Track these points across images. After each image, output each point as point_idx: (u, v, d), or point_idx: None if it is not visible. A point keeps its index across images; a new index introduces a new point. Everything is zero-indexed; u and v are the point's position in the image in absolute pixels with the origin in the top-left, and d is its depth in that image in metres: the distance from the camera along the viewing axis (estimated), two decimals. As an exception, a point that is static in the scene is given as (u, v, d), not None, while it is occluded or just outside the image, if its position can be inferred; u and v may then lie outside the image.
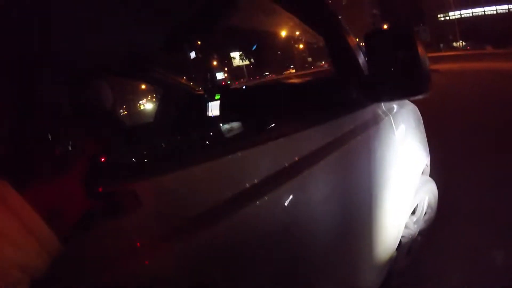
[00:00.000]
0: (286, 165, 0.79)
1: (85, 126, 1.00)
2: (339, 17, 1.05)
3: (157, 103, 2.19)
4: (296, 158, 0.83)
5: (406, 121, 1.37)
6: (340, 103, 1.05)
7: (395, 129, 1.19)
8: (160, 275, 0.55)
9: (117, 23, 1.15)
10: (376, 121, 1.12)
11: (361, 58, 1.04)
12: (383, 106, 1.20)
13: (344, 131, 0.99)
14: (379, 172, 1.12)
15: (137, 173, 0.65)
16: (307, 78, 1.47)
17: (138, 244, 0.54)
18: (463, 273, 1.72)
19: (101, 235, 0.52)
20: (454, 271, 1.77)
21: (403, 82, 0.93)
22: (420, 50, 0.91)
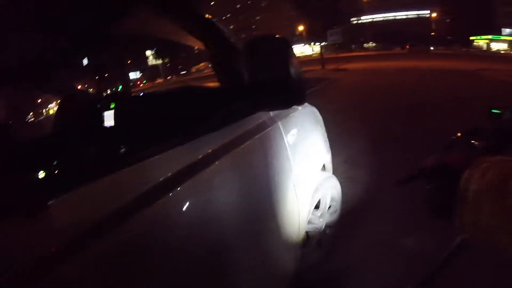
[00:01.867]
0: (169, 176, 0.78)
1: None
2: (217, 25, 1.05)
3: (54, 114, 2.00)
4: (188, 163, 0.83)
5: (300, 124, 1.45)
6: (227, 111, 1.05)
7: (284, 134, 1.25)
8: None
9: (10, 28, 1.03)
10: (262, 128, 1.15)
11: (242, 66, 1.03)
12: (271, 113, 1.25)
13: (230, 138, 1.00)
14: (269, 175, 1.15)
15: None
16: (202, 84, 1.46)
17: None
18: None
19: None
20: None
21: (278, 94, 0.94)
22: (294, 63, 0.94)
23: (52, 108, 1.92)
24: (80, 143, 1.49)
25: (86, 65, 2.04)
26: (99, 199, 0.64)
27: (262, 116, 1.19)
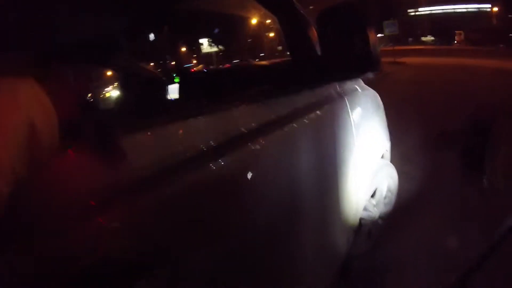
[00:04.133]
0: (242, 130, 0.78)
1: None
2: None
3: (120, 90, 2.13)
4: (252, 126, 0.82)
5: (363, 105, 1.40)
6: (294, 82, 1.04)
7: (350, 111, 1.20)
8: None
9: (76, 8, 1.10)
10: (329, 101, 1.12)
11: (314, 37, 1.03)
12: (338, 87, 1.21)
13: (296, 107, 0.99)
14: (334, 147, 1.13)
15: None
16: (269, 62, 1.46)
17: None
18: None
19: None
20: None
21: (354, 61, 0.93)
22: (370, 32, 0.92)
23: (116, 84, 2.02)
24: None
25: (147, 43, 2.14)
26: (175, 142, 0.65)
27: (330, 89, 1.16)
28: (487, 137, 2.28)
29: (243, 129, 0.78)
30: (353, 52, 0.92)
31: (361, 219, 1.71)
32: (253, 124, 0.81)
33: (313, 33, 1.04)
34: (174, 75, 1.79)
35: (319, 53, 1.01)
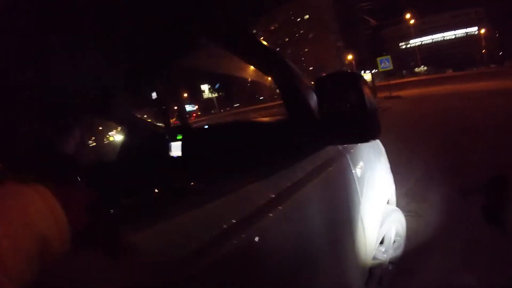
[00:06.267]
0: (247, 212, 0.79)
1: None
2: (287, 61, 1.07)
3: (122, 143, 2.17)
4: (256, 206, 0.83)
5: (365, 157, 1.43)
6: (295, 147, 1.08)
7: (352, 167, 1.24)
8: None
9: (80, 62, 1.17)
10: (332, 162, 1.16)
11: (313, 101, 1.04)
12: (339, 146, 1.25)
13: (300, 176, 1.01)
14: (339, 209, 1.15)
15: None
16: (266, 119, 1.50)
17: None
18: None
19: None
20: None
21: (352, 128, 0.95)
22: (368, 96, 0.94)
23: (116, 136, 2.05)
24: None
25: (148, 96, 2.22)
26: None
27: (331, 150, 1.20)
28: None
29: (261, 202, 0.83)
30: (352, 118, 0.95)
31: (370, 269, 1.69)
32: (263, 200, 0.84)
33: (313, 97, 1.06)
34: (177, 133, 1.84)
35: (318, 117, 1.04)
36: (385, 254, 1.78)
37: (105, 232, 0.56)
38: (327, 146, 1.16)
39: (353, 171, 1.24)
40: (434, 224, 2.60)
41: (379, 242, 1.61)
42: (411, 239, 2.20)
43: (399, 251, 1.93)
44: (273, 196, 0.87)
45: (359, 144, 1.43)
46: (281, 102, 1.14)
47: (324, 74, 1.10)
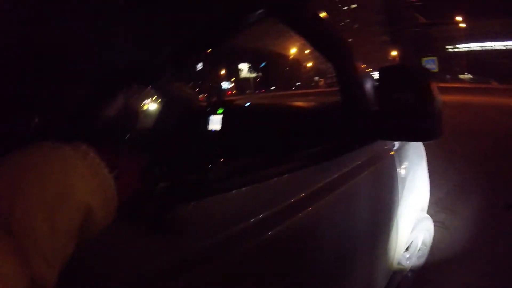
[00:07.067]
0: (291, 201, 0.77)
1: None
2: (349, 45, 1.01)
3: (160, 113, 2.17)
4: (301, 195, 0.80)
5: (409, 158, 1.36)
6: (346, 138, 1.02)
7: (397, 167, 1.17)
8: None
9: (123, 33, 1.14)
10: (380, 158, 1.10)
11: (371, 91, 0.98)
12: (388, 142, 1.18)
13: (349, 167, 0.97)
14: (379, 207, 1.10)
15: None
16: (312, 104, 1.43)
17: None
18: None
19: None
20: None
21: (413, 125, 0.88)
22: (436, 95, 0.87)
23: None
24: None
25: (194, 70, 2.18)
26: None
27: (379, 145, 1.13)
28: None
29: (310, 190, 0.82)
30: (415, 115, 0.88)
31: (393, 273, 1.64)
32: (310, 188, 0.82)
33: (371, 86, 0.99)
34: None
35: (375, 107, 0.97)
36: (409, 261, 1.72)
37: (156, 203, 0.51)
38: (376, 141, 1.08)
39: (398, 170, 1.17)
40: (461, 238, 2.50)
41: (406, 246, 1.55)
42: (433, 250, 2.12)
43: (422, 260, 1.87)
44: (321, 185, 0.84)
45: (407, 143, 1.35)
46: (320, 90, 1.07)
47: (388, 65, 1.01)
